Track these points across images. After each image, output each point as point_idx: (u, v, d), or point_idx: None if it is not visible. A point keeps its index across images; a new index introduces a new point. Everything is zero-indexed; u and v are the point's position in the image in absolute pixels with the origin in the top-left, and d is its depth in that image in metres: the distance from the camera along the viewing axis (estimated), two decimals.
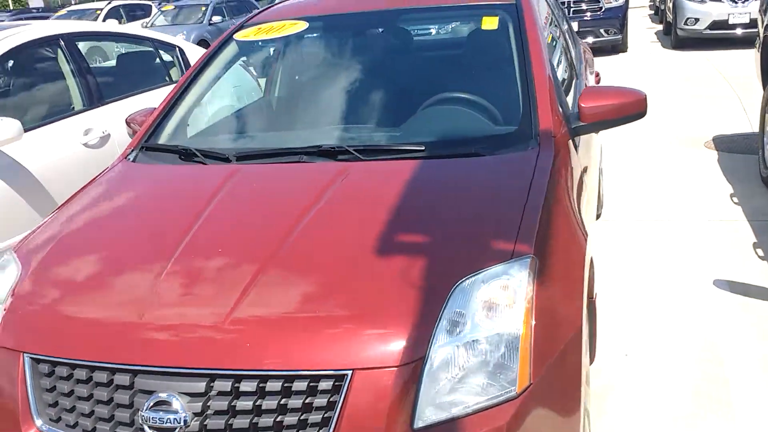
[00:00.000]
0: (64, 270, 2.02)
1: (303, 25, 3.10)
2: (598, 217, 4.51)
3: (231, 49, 3.21)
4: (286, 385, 1.60)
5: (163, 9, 18.72)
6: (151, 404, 1.63)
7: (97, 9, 19.26)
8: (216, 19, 17.21)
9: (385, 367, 1.59)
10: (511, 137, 2.40)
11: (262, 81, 3.66)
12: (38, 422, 1.75)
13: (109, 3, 20.01)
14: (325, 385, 1.59)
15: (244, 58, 3.56)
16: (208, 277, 1.84)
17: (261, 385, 1.60)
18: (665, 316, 3.27)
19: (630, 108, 2.56)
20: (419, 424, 1.58)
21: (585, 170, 2.73)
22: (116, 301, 1.83)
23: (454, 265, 1.78)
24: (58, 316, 1.85)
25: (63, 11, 19.95)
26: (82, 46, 4.51)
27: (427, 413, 1.59)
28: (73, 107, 4.02)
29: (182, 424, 1.60)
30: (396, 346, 1.61)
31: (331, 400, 1.58)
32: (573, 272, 1.94)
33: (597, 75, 4.46)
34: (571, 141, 2.51)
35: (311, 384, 1.59)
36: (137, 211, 2.27)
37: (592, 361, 2.59)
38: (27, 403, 1.76)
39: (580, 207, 2.31)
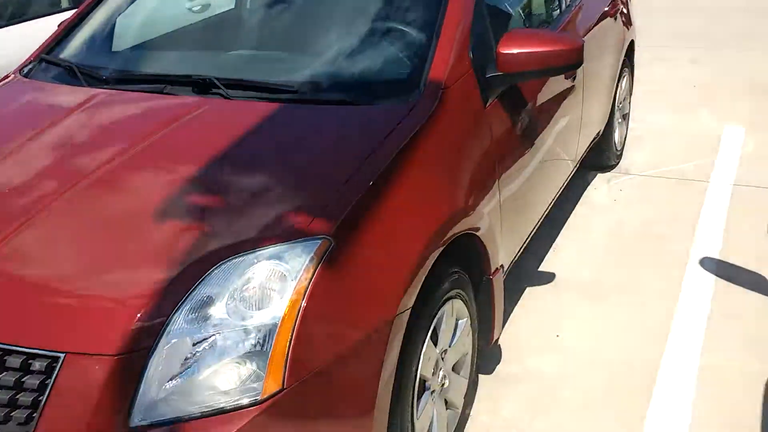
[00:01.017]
0: None
1: None
2: (610, 168, 4.06)
3: None
4: (6, 359, 1.42)
5: None
6: None
7: None
8: None
9: (101, 354, 1.37)
10: (394, 85, 2.05)
11: None
12: None
13: None
14: (38, 365, 1.40)
15: None
16: None
17: None
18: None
19: (559, 57, 2.14)
20: (136, 422, 1.38)
21: (520, 127, 2.35)
22: None
23: (227, 239, 1.52)
24: None
25: None
26: None
27: (147, 411, 1.38)
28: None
29: None
30: (120, 331, 1.39)
31: (44, 382, 1.39)
32: (394, 262, 1.63)
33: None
34: (480, 93, 2.13)
35: (27, 361, 1.41)
36: None
37: (490, 343, 2.31)
38: None
39: (464, 173, 1.97)
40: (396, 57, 2.17)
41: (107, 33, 2.69)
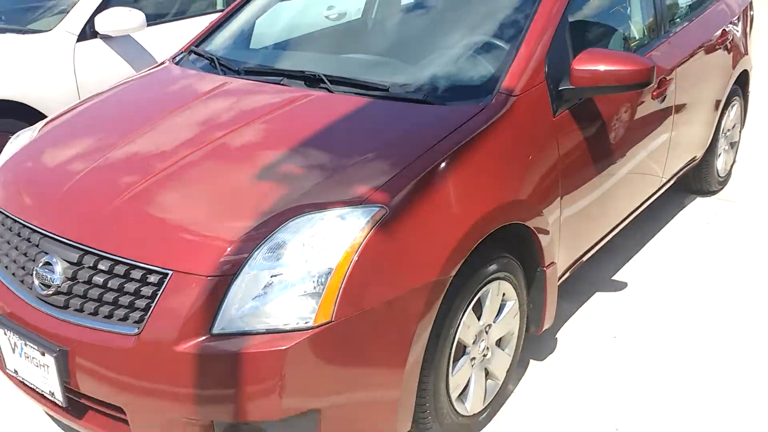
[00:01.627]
0: (46, 143, 2.46)
1: None
2: (712, 193, 4.10)
3: None
4: (127, 271, 1.87)
5: None
6: (41, 262, 2.00)
7: None
8: None
9: (198, 274, 1.79)
10: (470, 90, 2.35)
11: None
12: None
13: None
14: (153, 278, 1.84)
15: None
16: (124, 172, 2.14)
17: (108, 266, 1.89)
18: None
19: (630, 76, 2.35)
20: (216, 330, 1.78)
21: (590, 138, 2.57)
22: (55, 176, 2.22)
23: (305, 199, 1.89)
24: (14, 178, 2.29)
25: None
26: None
27: (226, 323, 1.77)
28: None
29: (57, 283, 1.95)
30: (213, 259, 1.79)
31: (155, 292, 1.83)
32: (436, 240, 1.93)
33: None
34: (551, 102, 2.38)
35: (147, 276, 1.85)
36: (130, 104, 2.63)
37: (540, 330, 2.54)
38: None
39: (523, 171, 2.24)
40: (478, 65, 2.47)
41: (247, 33, 3.17)
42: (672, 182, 3.55)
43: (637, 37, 3.11)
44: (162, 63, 3.05)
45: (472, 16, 2.74)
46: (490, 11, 2.68)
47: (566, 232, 2.53)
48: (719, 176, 4.12)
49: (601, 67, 2.35)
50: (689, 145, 3.55)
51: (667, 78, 3.08)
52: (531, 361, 2.70)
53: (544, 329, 2.55)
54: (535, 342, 2.75)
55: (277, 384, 1.75)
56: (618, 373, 2.62)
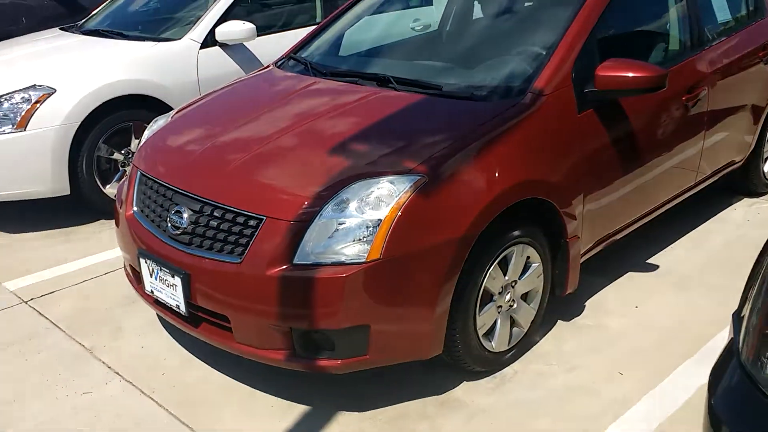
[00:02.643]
0: (178, 126, 3.19)
1: None
2: (758, 195, 4.41)
3: None
4: (234, 217, 2.54)
5: None
6: (173, 211, 2.70)
7: None
8: None
9: (284, 219, 2.43)
10: (510, 89, 2.89)
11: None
12: (135, 209, 2.94)
13: None
14: (252, 222, 2.49)
15: None
16: (234, 147, 2.83)
17: (220, 213, 2.56)
18: None
19: (647, 82, 2.82)
20: (297, 261, 2.41)
21: (613, 134, 3.04)
22: (185, 149, 2.93)
23: (365, 168, 2.51)
24: (155, 150, 3.03)
25: None
26: None
27: (303, 257, 2.40)
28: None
29: (184, 226, 2.64)
30: (296, 209, 2.44)
31: (253, 232, 2.48)
32: (465, 204, 2.48)
33: None
34: (576, 102, 2.89)
35: (247, 220, 2.51)
36: (241, 97, 3.34)
37: (564, 292, 3.03)
38: (131, 197, 2.97)
39: (547, 156, 2.76)
40: (516, 69, 3.01)
41: (336, 42, 3.83)
42: (711, 181, 3.92)
43: (671, 48, 3.54)
44: (267, 66, 3.75)
45: (517, 29, 3.30)
46: (532, 26, 3.22)
47: (589, 213, 3.01)
48: (765, 179, 4.42)
49: (620, 74, 2.84)
50: (727, 149, 3.91)
51: (699, 85, 3.49)
52: (558, 321, 3.19)
53: (567, 292, 3.04)
54: (564, 305, 3.24)
55: (338, 302, 2.36)
56: (630, 332, 3.08)
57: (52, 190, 4.21)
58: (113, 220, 4.03)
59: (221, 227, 2.55)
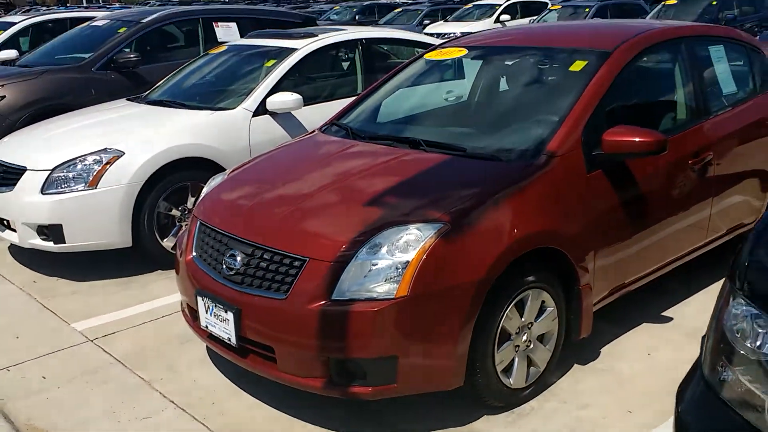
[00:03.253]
0: (233, 182, 3.61)
1: (463, 52, 4.23)
2: None
3: (421, 63, 4.48)
4: (281, 259, 2.91)
5: (551, 8, 20.14)
6: (228, 254, 3.09)
7: (496, 5, 21.44)
8: (596, 20, 18.01)
9: (325, 260, 2.80)
10: (526, 151, 3.25)
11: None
12: (194, 254, 3.34)
13: (509, 0, 22.08)
14: (296, 263, 2.86)
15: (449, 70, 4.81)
16: (282, 200, 3.23)
17: (269, 255, 2.94)
18: None
19: (648, 146, 3.16)
20: (335, 297, 2.75)
21: (621, 193, 3.36)
22: (239, 202, 3.35)
23: (396, 217, 2.87)
24: (213, 203, 3.45)
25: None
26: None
27: (341, 293, 2.75)
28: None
29: (237, 267, 3.03)
30: (335, 251, 2.80)
31: (297, 272, 2.85)
32: (483, 250, 2.81)
33: None
34: (585, 163, 3.23)
35: (292, 262, 2.88)
36: (289, 158, 3.77)
37: (578, 336, 3.30)
38: (191, 244, 3.37)
39: (559, 209, 3.10)
40: (533, 134, 3.38)
41: (374, 111, 4.27)
42: (724, 240, 4.18)
43: (678, 116, 3.88)
44: (312, 131, 4.20)
45: (535, 99, 3.70)
46: (548, 97, 3.62)
47: (600, 265, 3.31)
48: None
49: (624, 138, 3.18)
50: (737, 210, 4.18)
51: (705, 151, 3.81)
52: (574, 364, 3.44)
53: (582, 337, 3.31)
54: (580, 349, 3.50)
55: (370, 333, 2.69)
56: (641, 376, 3.31)
57: (117, 242, 4.67)
58: (169, 271, 4.48)
59: (269, 268, 2.93)
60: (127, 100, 5.94)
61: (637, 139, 3.17)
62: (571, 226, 3.14)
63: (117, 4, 40.82)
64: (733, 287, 1.77)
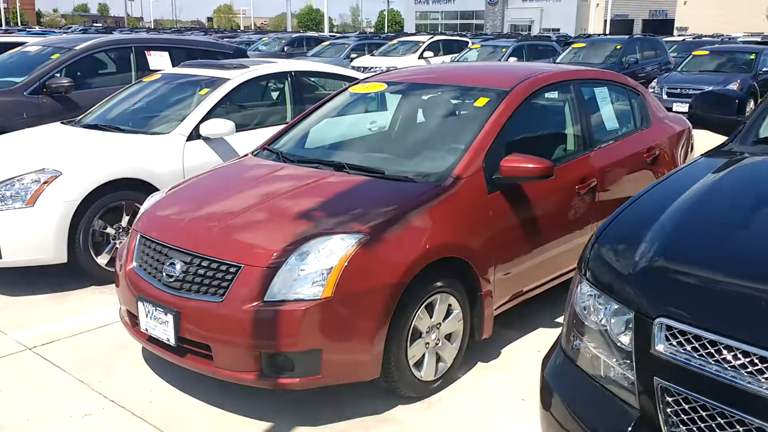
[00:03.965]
0: (172, 199, 3.95)
1: (383, 86, 4.72)
2: None
3: (345, 95, 4.95)
4: (218, 266, 3.27)
5: (471, 47, 21.16)
6: (168, 263, 3.42)
7: (419, 41, 22.35)
8: (512, 60, 19.09)
9: (258, 266, 3.17)
10: (437, 173, 3.73)
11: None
12: (134, 264, 3.65)
13: (432, 37, 23.06)
14: (231, 269, 3.23)
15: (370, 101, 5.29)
16: (219, 214, 3.58)
17: (207, 263, 3.29)
18: None
19: (538, 171, 3.69)
20: (267, 299, 3.13)
21: (517, 211, 3.88)
22: (178, 216, 3.69)
23: (320, 228, 3.28)
24: (153, 218, 3.77)
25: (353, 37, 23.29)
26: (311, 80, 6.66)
27: (273, 294, 3.13)
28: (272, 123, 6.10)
29: (176, 274, 3.36)
30: (267, 258, 3.18)
31: (233, 276, 3.21)
32: (398, 258, 3.25)
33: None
34: (486, 185, 3.73)
35: (228, 268, 3.24)
36: (224, 178, 4.13)
37: (480, 337, 3.77)
38: (131, 255, 3.68)
39: (463, 224, 3.57)
40: (442, 159, 3.86)
41: (303, 137, 4.69)
42: None
43: (566, 147, 4.47)
44: (245, 155, 4.58)
45: (446, 130, 4.21)
46: (456, 129, 4.14)
47: (500, 274, 3.80)
48: None
49: (517, 164, 3.71)
50: None
51: (590, 178, 4.39)
52: (478, 362, 3.91)
53: (484, 337, 3.78)
54: (483, 350, 3.97)
55: (297, 329, 3.07)
56: (535, 370, 3.79)
57: (52, 258, 4.87)
58: (103, 286, 4.77)
59: (207, 274, 3.28)
60: (62, 123, 6.15)
61: (528, 165, 3.69)
62: (474, 239, 3.62)
63: (37, 28, 39.94)
64: (580, 275, 2.25)
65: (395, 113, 5.01)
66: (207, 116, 5.64)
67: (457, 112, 4.40)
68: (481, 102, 4.14)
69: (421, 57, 20.61)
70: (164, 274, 3.41)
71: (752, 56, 14.61)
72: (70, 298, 4.90)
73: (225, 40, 19.70)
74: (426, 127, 4.47)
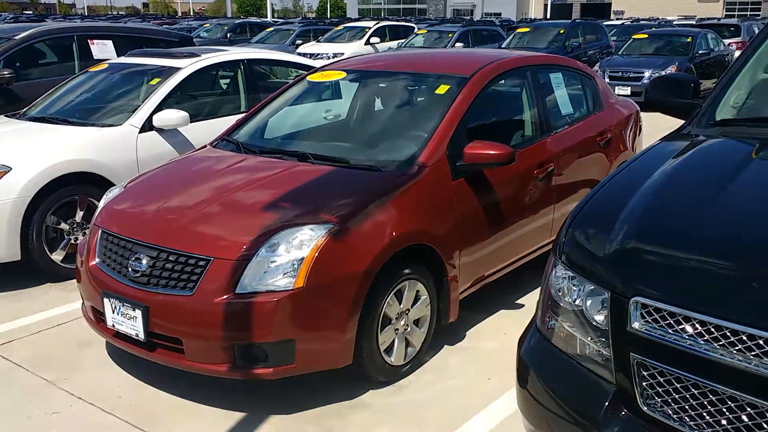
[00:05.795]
0: (133, 193, 3.89)
1: (342, 75, 4.72)
2: None
3: (303, 84, 4.93)
4: (186, 260, 3.24)
5: (417, 32, 21.22)
6: (133, 258, 3.37)
7: (366, 27, 22.28)
8: (459, 45, 19.24)
9: (228, 259, 3.16)
10: (401, 162, 3.77)
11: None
12: (97, 260, 3.59)
13: (378, 23, 23.01)
14: (201, 262, 3.21)
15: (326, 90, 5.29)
16: (184, 207, 3.54)
17: (174, 257, 3.26)
18: None
19: (501, 157, 3.77)
20: (238, 291, 3.12)
21: (480, 197, 3.96)
22: (141, 210, 3.63)
23: (290, 218, 3.29)
24: (113, 213, 3.71)
25: (340, 27, 23.17)
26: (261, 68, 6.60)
27: (244, 287, 3.12)
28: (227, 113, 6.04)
29: (143, 269, 3.32)
30: (237, 250, 3.17)
31: (202, 270, 3.19)
32: (367, 246, 3.29)
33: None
34: (450, 172, 3.79)
35: (197, 261, 3.22)
36: (185, 170, 4.08)
37: (448, 321, 3.84)
38: (93, 251, 3.61)
39: (430, 211, 3.63)
40: (406, 148, 3.91)
41: (262, 127, 4.66)
42: None
43: (526, 133, 4.57)
44: (204, 146, 4.53)
45: (408, 118, 4.25)
46: (418, 116, 4.17)
47: (464, 259, 3.88)
48: None
49: (480, 151, 3.78)
50: None
51: (548, 162, 4.50)
52: (444, 345, 3.99)
53: (450, 321, 3.86)
54: (449, 333, 4.05)
55: (271, 320, 3.08)
56: (498, 351, 3.91)
57: (5, 256, 4.74)
58: (59, 283, 4.68)
59: (175, 268, 3.25)
60: (5, 116, 5.95)
61: (490, 152, 3.77)
62: (440, 226, 3.69)
63: None
64: (556, 258, 2.33)
65: (353, 101, 5.02)
66: (159, 107, 5.54)
67: (417, 100, 4.44)
68: (442, 89, 4.19)
69: (368, 43, 20.56)
70: (130, 269, 3.37)
71: (689, 39, 15.08)
72: (25, 296, 4.78)
73: (164, 27, 19.27)
74: (388, 115, 4.50)
